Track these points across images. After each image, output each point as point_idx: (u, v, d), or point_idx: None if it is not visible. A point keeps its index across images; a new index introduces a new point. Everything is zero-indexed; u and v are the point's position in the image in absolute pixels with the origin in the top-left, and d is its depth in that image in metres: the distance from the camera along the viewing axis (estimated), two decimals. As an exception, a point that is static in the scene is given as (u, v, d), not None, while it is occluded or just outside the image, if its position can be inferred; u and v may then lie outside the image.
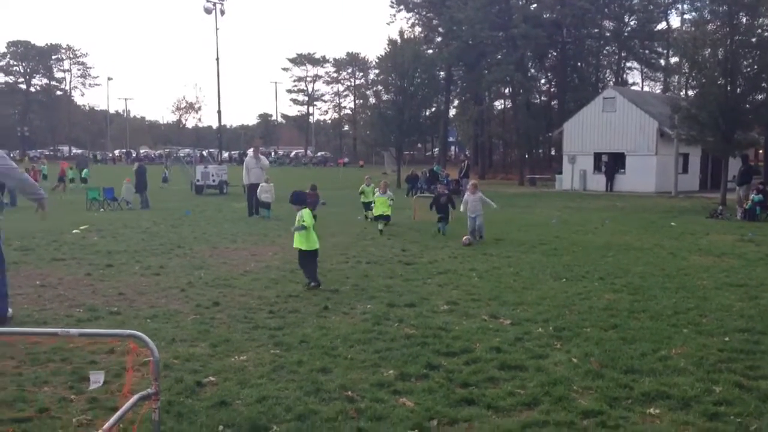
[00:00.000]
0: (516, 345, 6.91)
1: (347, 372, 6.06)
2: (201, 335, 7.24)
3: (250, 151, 24.30)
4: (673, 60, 49.79)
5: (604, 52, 65.86)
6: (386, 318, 8.08)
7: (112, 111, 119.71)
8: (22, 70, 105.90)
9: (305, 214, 10.07)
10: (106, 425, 3.80)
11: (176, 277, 10.67)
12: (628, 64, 68.31)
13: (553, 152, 61.32)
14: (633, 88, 62.54)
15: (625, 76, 67.15)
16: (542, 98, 64.03)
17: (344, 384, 5.72)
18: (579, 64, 62.62)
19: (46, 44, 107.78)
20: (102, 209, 24.45)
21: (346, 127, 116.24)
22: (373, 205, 19.06)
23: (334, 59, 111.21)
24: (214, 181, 34.76)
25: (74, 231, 16.45)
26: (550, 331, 7.43)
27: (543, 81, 64.42)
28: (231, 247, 14.40)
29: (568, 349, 6.76)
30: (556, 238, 16.17)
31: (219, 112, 58.83)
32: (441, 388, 5.65)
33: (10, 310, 7.87)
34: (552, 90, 64.25)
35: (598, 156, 40.97)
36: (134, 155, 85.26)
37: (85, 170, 43.03)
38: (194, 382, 5.68)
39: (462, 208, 15.69)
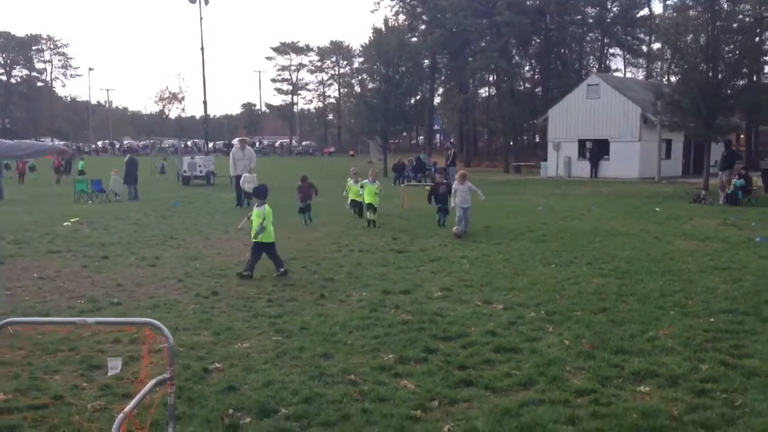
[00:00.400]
0: (510, 329, 7.15)
1: (348, 357, 6.27)
2: (203, 324, 7.41)
3: (236, 143, 24.22)
4: (656, 46, 50.33)
5: (588, 38, 66.25)
6: (382, 305, 8.28)
7: (93, 102, 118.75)
8: (1, 61, 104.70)
9: (268, 213, 10.37)
10: (127, 408, 3.98)
11: (172, 268, 10.81)
12: (611, 51, 68.88)
13: (537, 139, 61.66)
14: (616, 74, 62.99)
15: (608, 62, 67.71)
16: (526, 85, 64.28)
17: (346, 368, 5.93)
18: (562, 50, 62.95)
19: (26, 35, 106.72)
20: (90, 201, 24.44)
21: (331, 117, 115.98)
22: (361, 194, 17.59)
23: (318, 48, 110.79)
24: (201, 171, 34.74)
25: (65, 223, 16.48)
26: (542, 315, 7.67)
27: (527, 68, 64.67)
28: (223, 238, 14.54)
29: (560, 331, 7.01)
30: (544, 224, 16.44)
31: (205, 102, 58.22)
32: (440, 370, 5.87)
33: None
34: (536, 77, 64.57)
35: (582, 143, 41.33)
36: (126, 146, 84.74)
37: (81, 162, 42.83)
38: (201, 369, 5.86)
39: (452, 202, 15.00)
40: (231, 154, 23.22)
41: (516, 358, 6.19)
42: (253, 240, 10.38)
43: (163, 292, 9.11)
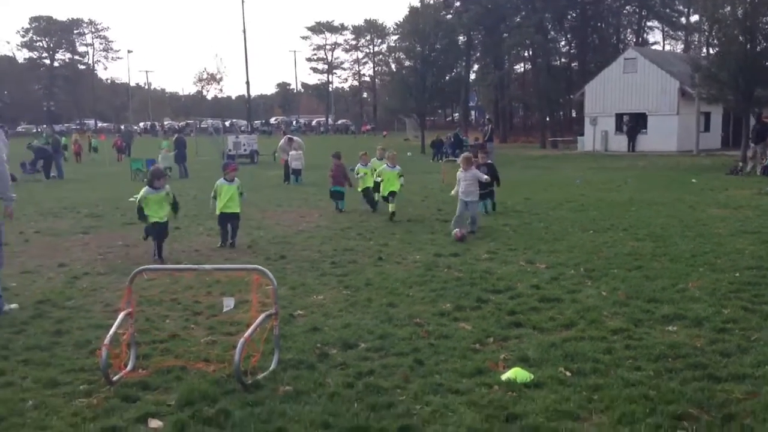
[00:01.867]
0: (552, 283, 8.00)
1: (411, 306, 7.19)
2: (279, 280, 8.34)
3: (284, 140, 25.18)
4: (694, 18, 49.93)
5: (625, 11, 65.63)
6: (435, 265, 9.19)
7: (132, 84, 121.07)
8: (45, 46, 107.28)
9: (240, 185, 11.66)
10: (246, 334, 4.96)
11: (239, 237, 11.83)
12: (649, 24, 68.14)
13: (574, 114, 61.66)
14: (654, 47, 62.51)
15: (645, 35, 67.04)
16: (562, 60, 64.15)
17: (411, 314, 6.85)
18: (599, 24, 62.59)
19: (68, 19, 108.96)
20: (145, 179, 25.67)
21: (365, 95, 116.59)
22: (379, 180, 14.31)
23: (353, 26, 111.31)
24: (245, 150, 35.87)
25: (130, 199, 17.68)
26: (581, 272, 8.51)
27: (563, 43, 64.46)
28: (278, 210, 15.57)
29: (597, 285, 7.84)
30: (582, 196, 17.14)
31: (247, 83, 59.60)
32: (492, 315, 6.76)
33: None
34: (572, 51, 64.30)
35: (619, 117, 41.49)
36: (167, 127, 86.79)
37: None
38: (287, 314, 6.84)
39: (456, 187, 12.11)
40: (279, 146, 25.05)
41: (558, 306, 7.05)
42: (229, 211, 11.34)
43: (236, 256, 10.14)
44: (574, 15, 60.26)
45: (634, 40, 63.40)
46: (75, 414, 4.55)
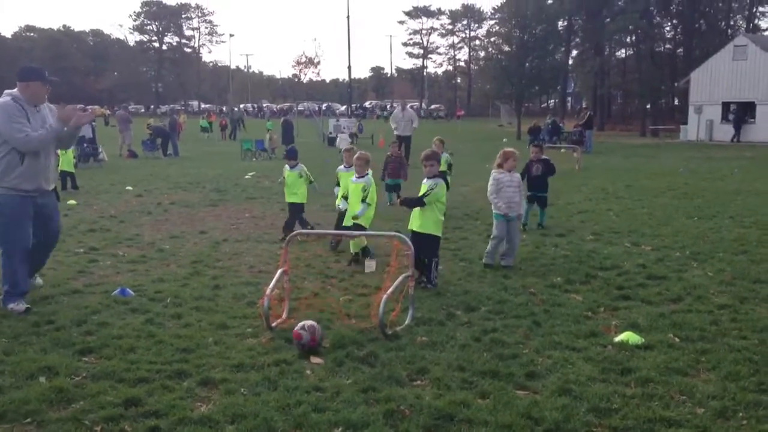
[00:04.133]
0: (658, 264, 8.43)
1: (523, 278, 7.80)
2: (399, 252, 9.17)
3: (398, 105, 25.82)
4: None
5: (735, -4, 62.84)
6: (543, 244, 9.74)
7: (233, 67, 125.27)
8: (155, 29, 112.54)
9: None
10: (389, 290, 5.74)
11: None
12: (761, 9, 64.80)
13: (676, 102, 59.76)
14: (766, 34, 59.58)
15: (757, 21, 63.90)
16: (666, 47, 62.17)
17: (524, 284, 7.47)
18: (707, 9, 60.18)
19: (177, 4, 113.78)
20: (254, 159, 27.17)
21: (459, 80, 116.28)
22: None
23: (450, 11, 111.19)
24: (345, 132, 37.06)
25: (246, 176, 19.01)
26: (687, 255, 8.87)
27: (668, 28, 62.44)
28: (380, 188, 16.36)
29: (703, 267, 8.21)
30: (685, 184, 17.15)
31: (349, 68, 61.96)
32: (601, 289, 7.29)
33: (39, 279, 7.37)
34: (677, 37, 62.17)
35: (726, 105, 40.18)
36: (265, 108, 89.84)
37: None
38: (412, 280, 7.58)
39: (493, 197, 8.64)
40: (392, 116, 24.30)
41: (665, 283, 7.49)
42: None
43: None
44: (681, 0, 58.25)
45: (745, 26, 60.65)
46: (249, 349, 5.45)
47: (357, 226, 8.23)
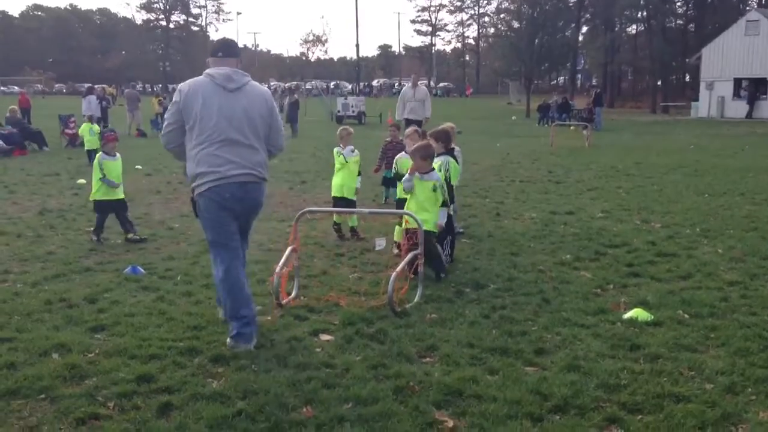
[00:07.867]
0: (668, 241, 8.40)
1: (532, 256, 7.80)
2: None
3: (409, 81, 21.37)
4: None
5: (749, -30, 61.98)
6: (552, 222, 9.73)
7: (240, 45, 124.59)
8: (161, 7, 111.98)
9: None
10: (398, 268, 5.76)
11: (364, 193, 12.66)
12: (775, -17, 63.92)
13: (687, 78, 59.22)
14: (780, 8, 58.76)
15: (771, -5, 62.99)
16: (678, 22, 61.45)
17: (533, 262, 7.47)
18: (720, -17, 59.45)
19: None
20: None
21: (468, 57, 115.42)
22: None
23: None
24: (353, 111, 36.91)
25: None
26: (697, 232, 8.85)
27: (679, 3, 61.68)
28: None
29: (713, 244, 8.19)
30: (696, 161, 17.04)
31: (357, 45, 61.67)
32: (610, 266, 7.28)
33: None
34: (690, 13, 61.46)
35: (738, 82, 39.78)
36: (274, 86, 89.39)
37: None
38: (421, 258, 7.59)
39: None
40: (401, 94, 17.71)
41: (675, 260, 7.48)
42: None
43: (366, 206, 10.98)
44: (693, -26, 57.55)
45: (757, 0, 59.85)
46: (259, 326, 5.48)
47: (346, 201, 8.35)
